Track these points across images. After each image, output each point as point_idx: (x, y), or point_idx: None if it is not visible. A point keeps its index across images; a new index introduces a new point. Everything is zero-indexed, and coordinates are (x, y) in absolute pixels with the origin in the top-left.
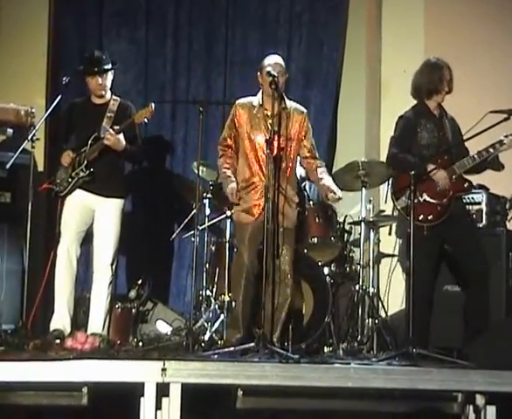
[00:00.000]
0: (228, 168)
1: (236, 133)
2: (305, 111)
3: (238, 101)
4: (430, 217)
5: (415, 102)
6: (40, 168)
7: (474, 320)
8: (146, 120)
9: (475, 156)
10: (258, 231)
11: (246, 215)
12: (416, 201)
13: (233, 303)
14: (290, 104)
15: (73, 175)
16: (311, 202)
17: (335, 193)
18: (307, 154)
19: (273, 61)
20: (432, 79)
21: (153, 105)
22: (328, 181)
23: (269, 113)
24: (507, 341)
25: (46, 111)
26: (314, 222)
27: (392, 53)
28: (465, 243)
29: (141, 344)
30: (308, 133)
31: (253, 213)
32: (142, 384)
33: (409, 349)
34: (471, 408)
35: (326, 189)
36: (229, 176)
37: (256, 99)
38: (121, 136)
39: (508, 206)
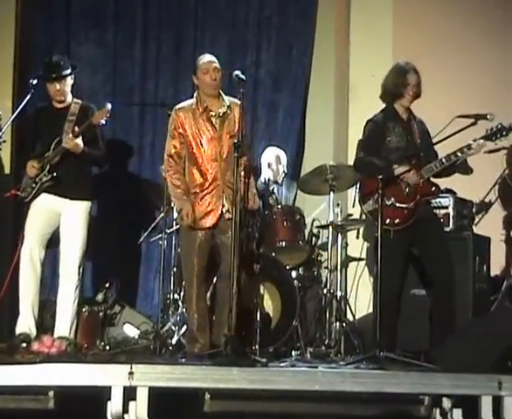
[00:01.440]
0: (179, 187)
1: (183, 140)
2: (239, 102)
3: (176, 107)
4: (397, 221)
5: (383, 106)
6: (7, 170)
7: (440, 324)
8: (104, 120)
9: (443, 160)
10: (208, 240)
11: (205, 219)
12: (383, 205)
13: (186, 315)
14: (229, 99)
15: (37, 180)
16: (279, 206)
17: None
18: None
19: (207, 60)
20: (396, 83)
21: (109, 105)
22: (254, 190)
23: (213, 114)
24: (473, 344)
25: (13, 113)
26: (282, 225)
27: (361, 57)
28: (431, 247)
29: (108, 347)
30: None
31: (208, 219)
32: (109, 388)
33: (376, 353)
34: (437, 411)
35: (250, 200)
36: (183, 196)
37: (193, 102)
38: (79, 140)
39: (475, 210)
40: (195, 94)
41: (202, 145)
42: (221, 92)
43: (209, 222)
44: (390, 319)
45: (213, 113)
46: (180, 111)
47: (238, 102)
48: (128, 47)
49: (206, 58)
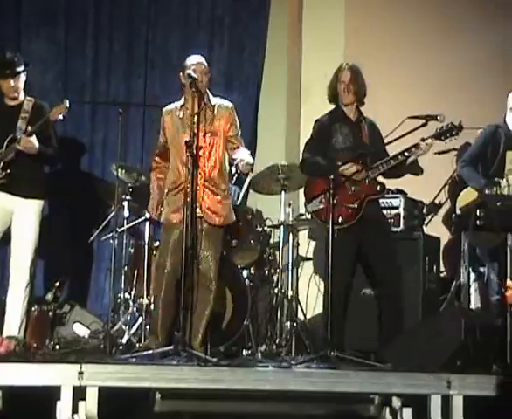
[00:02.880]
0: (155, 183)
1: (166, 139)
2: (230, 105)
3: (164, 109)
4: (340, 220)
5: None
6: None
7: (389, 323)
8: (61, 116)
9: (390, 160)
10: (181, 235)
11: (176, 214)
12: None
13: (153, 309)
14: (215, 100)
15: None
16: None
17: (243, 160)
18: (234, 144)
19: (195, 61)
20: (332, 82)
21: (67, 101)
22: (239, 153)
23: (197, 113)
24: (422, 343)
25: None
26: (233, 225)
27: (313, 57)
28: (378, 247)
29: (57, 347)
30: (233, 126)
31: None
32: (59, 388)
33: (327, 352)
34: (387, 410)
35: (238, 162)
36: (153, 193)
37: (180, 102)
38: (34, 138)
39: (425, 211)
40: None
41: (180, 143)
42: (208, 92)
43: (177, 218)
44: (339, 319)
45: (197, 113)
46: (164, 113)
47: (228, 104)
48: (79, 45)
49: (194, 58)
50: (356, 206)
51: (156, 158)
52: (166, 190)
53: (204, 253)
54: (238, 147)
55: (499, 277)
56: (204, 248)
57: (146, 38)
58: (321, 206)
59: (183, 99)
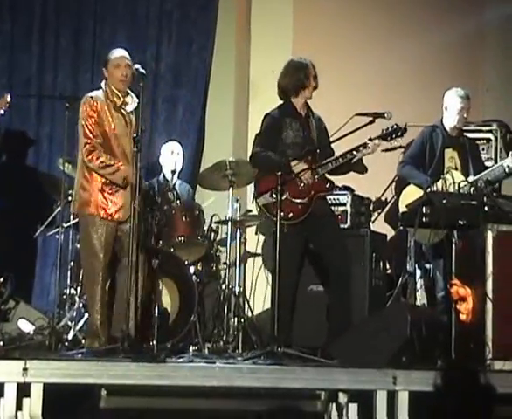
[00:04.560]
0: (109, 164)
1: (98, 129)
2: (137, 100)
3: (90, 95)
4: (290, 215)
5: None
6: None
7: (336, 319)
8: (2, 111)
9: (339, 158)
10: (113, 235)
11: (110, 215)
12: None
13: (89, 311)
14: (132, 96)
15: None
16: (178, 201)
17: None
18: None
19: (119, 55)
20: (298, 78)
21: (8, 96)
22: None
23: (125, 109)
24: (368, 340)
25: None
26: (181, 221)
27: (261, 53)
28: (327, 243)
29: (1, 343)
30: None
31: (118, 214)
32: (2, 384)
33: (274, 348)
34: (334, 405)
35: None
36: (118, 167)
37: (103, 94)
38: None
39: (372, 207)
40: (102, 85)
41: (114, 139)
42: (128, 89)
43: (124, 215)
44: (287, 315)
45: (125, 109)
46: (95, 99)
47: (136, 99)
48: (25, 39)
49: (119, 52)
50: (305, 202)
51: (89, 146)
52: (101, 185)
53: None
54: None
55: (444, 273)
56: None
57: (93, 33)
58: (272, 200)
59: (105, 92)
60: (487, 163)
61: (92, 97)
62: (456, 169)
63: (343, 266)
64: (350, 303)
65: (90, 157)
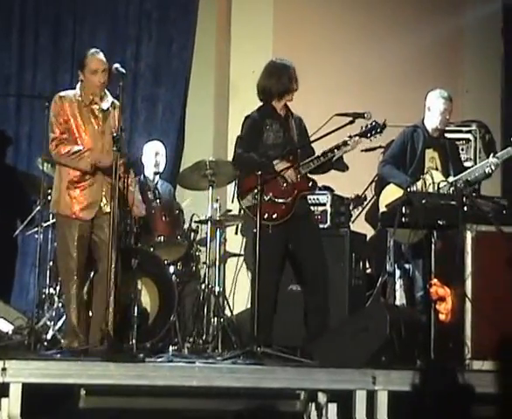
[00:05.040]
0: (75, 153)
1: (66, 128)
2: (118, 103)
3: (59, 94)
4: (274, 216)
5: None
6: None
7: (314, 320)
8: None
9: (320, 157)
10: (87, 234)
11: (80, 213)
12: (259, 198)
13: (65, 309)
14: (110, 97)
15: None
16: (158, 201)
17: None
18: None
19: (96, 60)
20: (282, 81)
21: None
22: None
23: (98, 107)
24: (348, 339)
25: None
26: (160, 220)
27: (241, 53)
28: (306, 243)
29: None
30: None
31: (87, 212)
32: None
33: (253, 348)
34: (313, 405)
35: None
36: (83, 154)
37: (77, 93)
38: None
39: (352, 206)
40: (78, 86)
41: (84, 137)
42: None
43: (88, 215)
44: (267, 315)
45: (97, 107)
46: (64, 99)
47: (117, 102)
48: (4, 38)
49: (96, 57)
50: (289, 201)
51: (55, 143)
52: (67, 183)
53: None
54: None
55: (423, 273)
56: None
57: (73, 32)
58: (255, 202)
59: (80, 91)
60: (466, 164)
61: (61, 96)
62: (436, 170)
63: (321, 267)
64: (327, 304)
65: (56, 150)
